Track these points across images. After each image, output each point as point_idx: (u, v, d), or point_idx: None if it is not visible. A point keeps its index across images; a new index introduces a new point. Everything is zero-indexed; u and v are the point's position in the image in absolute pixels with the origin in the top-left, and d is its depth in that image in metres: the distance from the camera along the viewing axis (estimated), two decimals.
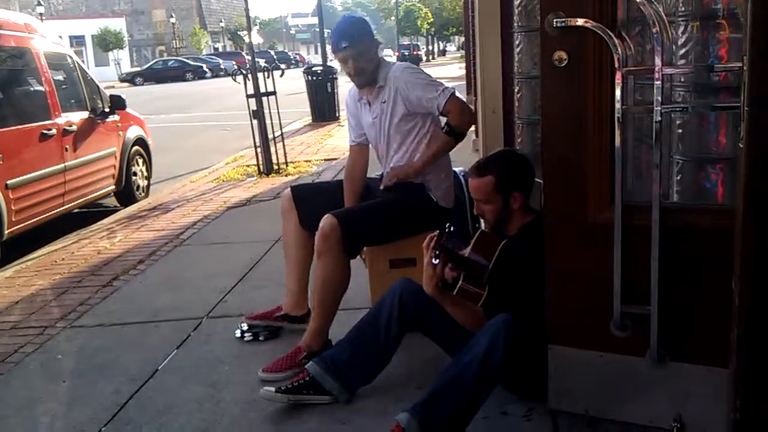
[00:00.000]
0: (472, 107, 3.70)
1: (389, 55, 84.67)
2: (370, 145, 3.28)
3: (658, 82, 2.04)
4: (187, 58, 47.99)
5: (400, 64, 3.12)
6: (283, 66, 10.09)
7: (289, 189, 3.34)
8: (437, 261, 2.36)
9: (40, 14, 38.01)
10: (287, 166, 8.40)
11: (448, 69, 35.56)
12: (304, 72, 13.54)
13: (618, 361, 2.25)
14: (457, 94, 3.02)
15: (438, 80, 3.09)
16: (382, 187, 3.13)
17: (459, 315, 2.45)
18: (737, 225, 1.22)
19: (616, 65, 2.08)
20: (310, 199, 3.25)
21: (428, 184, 3.09)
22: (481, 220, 3.14)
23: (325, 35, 18.07)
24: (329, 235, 2.84)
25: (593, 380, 2.32)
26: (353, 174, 3.25)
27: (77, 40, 49.32)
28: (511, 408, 2.50)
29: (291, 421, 2.56)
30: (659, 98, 2.05)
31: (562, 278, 2.27)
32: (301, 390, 2.60)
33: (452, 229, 2.47)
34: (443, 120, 3.11)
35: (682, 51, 2.24)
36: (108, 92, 7.43)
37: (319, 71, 13.31)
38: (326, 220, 2.85)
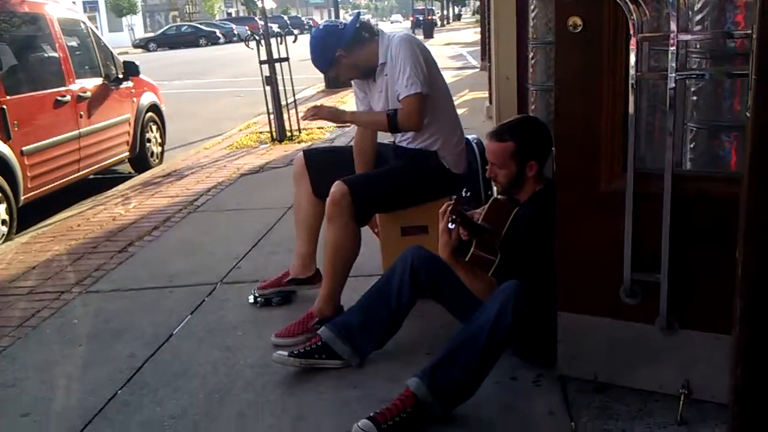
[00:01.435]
0: (486, 73, 3.67)
1: (398, 21, 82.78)
2: None
3: (673, 48, 2.01)
4: (201, 24, 47.77)
5: (399, 37, 3.02)
6: (296, 31, 10.03)
7: (301, 153, 3.34)
8: (453, 226, 2.36)
9: None
10: (300, 132, 8.39)
11: (462, 34, 35.21)
12: None
13: (627, 327, 2.26)
14: (421, 94, 2.90)
15: (418, 72, 2.91)
16: (302, 117, 3.08)
17: (472, 283, 2.47)
18: (742, 194, 1.22)
19: (631, 31, 2.05)
20: (323, 164, 3.24)
21: (439, 151, 3.06)
22: (494, 187, 3.14)
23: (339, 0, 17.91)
24: (339, 201, 2.85)
25: (602, 347, 2.34)
26: (362, 146, 3.23)
27: (90, 6, 49.15)
28: (521, 373, 2.52)
29: (303, 384, 2.60)
30: (674, 65, 2.02)
31: (572, 245, 2.28)
32: (313, 354, 2.63)
33: (469, 194, 2.48)
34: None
35: (699, 17, 2.21)
36: (121, 58, 7.43)
37: None
38: (336, 187, 2.86)
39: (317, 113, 3.08)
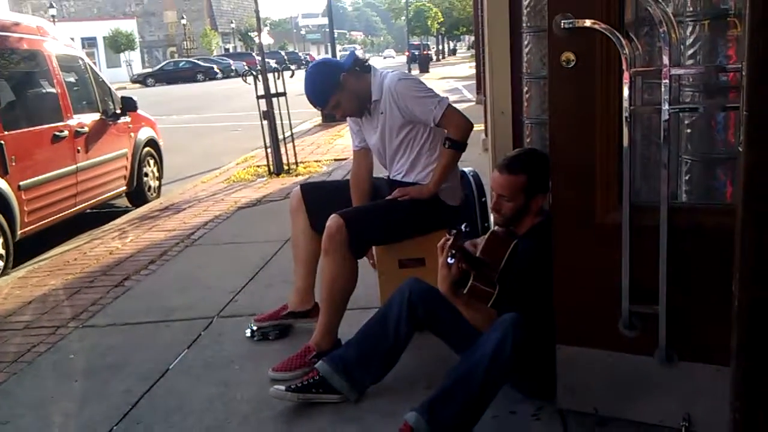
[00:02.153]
0: (482, 107, 3.70)
1: (390, 56, 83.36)
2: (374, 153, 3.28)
3: (666, 82, 2.03)
4: (198, 59, 48.19)
5: (393, 75, 3.07)
6: (293, 66, 10.11)
7: (298, 187, 3.35)
8: (453, 261, 2.36)
9: (53, 16, 38.32)
10: (297, 166, 8.43)
11: (457, 69, 35.56)
12: None
13: (627, 360, 2.25)
14: (448, 104, 3.00)
15: (433, 91, 3.04)
16: (389, 198, 3.09)
17: (472, 316, 2.46)
18: (736, 228, 1.23)
19: (624, 66, 2.08)
20: (319, 198, 3.26)
21: None
22: (491, 219, 3.14)
23: (335, 35, 18.10)
24: (335, 234, 2.85)
25: (602, 380, 2.33)
26: (359, 178, 3.26)
27: (89, 42, 49.60)
28: (520, 407, 2.50)
29: (301, 419, 2.57)
30: (667, 98, 2.05)
31: (570, 278, 2.28)
32: (310, 389, 2.61)
33: (468, 229, 2.47)
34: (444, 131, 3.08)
35: (691, 51, 2.24)
36: (119, 93, 7.48)
37: None
38: (332, 220, 2.87)
39: (407, 195, 3.06)
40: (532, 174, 2.53)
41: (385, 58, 78.17)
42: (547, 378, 2.40)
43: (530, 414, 2.47)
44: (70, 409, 2.84)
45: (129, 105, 7.30)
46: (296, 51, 69.29)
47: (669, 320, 2.14)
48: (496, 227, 2.72)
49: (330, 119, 13.07)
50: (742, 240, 1.23)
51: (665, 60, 2.03)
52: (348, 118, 3.32)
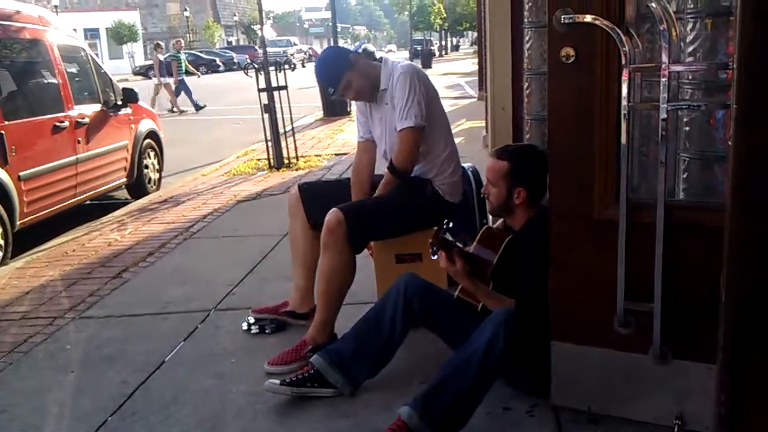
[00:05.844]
0: (483, 103, 3.69)
1: (391, 50, 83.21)
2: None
3: (665, 79, 2.03)
4: (201, 52, 48.09)
5: (400, 68, 3.06)
6: (295, 60, 10.11)
7: (296, 186, 3.34)
8: (436, 257, 2.38)
9: (55, 7, 38.29)
10: (298, 160, 8.42)
11: (460, 64, 35.47)
12: None
13: (621, 358, 2.25)
14: (414, 128, 2.95)
15: (419, 104, 2.96)
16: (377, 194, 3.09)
17: (493, 306, 2.46)
18: (726, 223, 1.23)
19: (623, 62, 2.07)
20: (317, 197, 3.25)
21: (434, 179, 3.08)
22: (489, 216, 3.15)
23: (338, 30, 18.07)
24: (335, 229, 2.85)
25: (596, 377, 2.33)
26: (360, 169, 3.26)
27: (91, 33, 49.54)
28: (514, 403, 2.50)
29: (295, 413, 2.57)
30: (666, 95, 2.04)
31: (565, 274, 2.27)
32: (305, 383, 2.61)
33: (451, 225, 2.48)
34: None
35: (691, 48, 2.24)
36: (121, 85, 7.47)
37: None
38: (332, 214, 2.87)
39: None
40: (513, 162, 2.54)
41: (387, 52, 77.90)
42: (542, 374, 2.40)
43: (524, 410, 2.47)
44: (66, 400, 2.83)
45: (130, 96, 7.29)
46: (298, 44, 69.16)
47: (664, 318, 2.13)
48: (491, 219, 2.73)
49: (332, 113, 13.05)
50: (730, 228, 1.23)
51: (664, 57, 2.02)
52: (356, 109, 3.33)
